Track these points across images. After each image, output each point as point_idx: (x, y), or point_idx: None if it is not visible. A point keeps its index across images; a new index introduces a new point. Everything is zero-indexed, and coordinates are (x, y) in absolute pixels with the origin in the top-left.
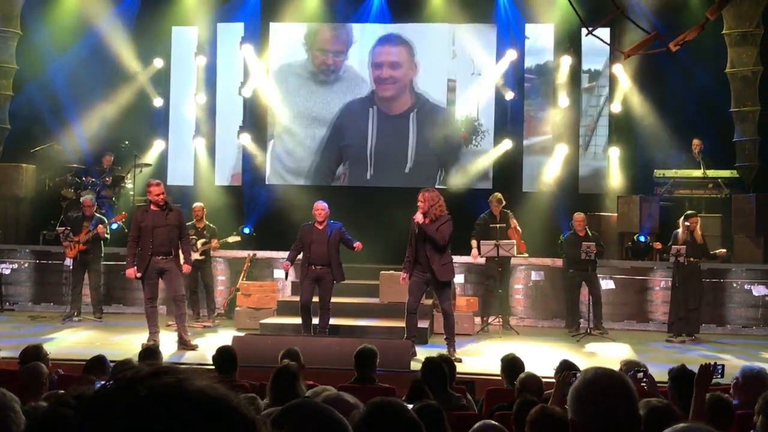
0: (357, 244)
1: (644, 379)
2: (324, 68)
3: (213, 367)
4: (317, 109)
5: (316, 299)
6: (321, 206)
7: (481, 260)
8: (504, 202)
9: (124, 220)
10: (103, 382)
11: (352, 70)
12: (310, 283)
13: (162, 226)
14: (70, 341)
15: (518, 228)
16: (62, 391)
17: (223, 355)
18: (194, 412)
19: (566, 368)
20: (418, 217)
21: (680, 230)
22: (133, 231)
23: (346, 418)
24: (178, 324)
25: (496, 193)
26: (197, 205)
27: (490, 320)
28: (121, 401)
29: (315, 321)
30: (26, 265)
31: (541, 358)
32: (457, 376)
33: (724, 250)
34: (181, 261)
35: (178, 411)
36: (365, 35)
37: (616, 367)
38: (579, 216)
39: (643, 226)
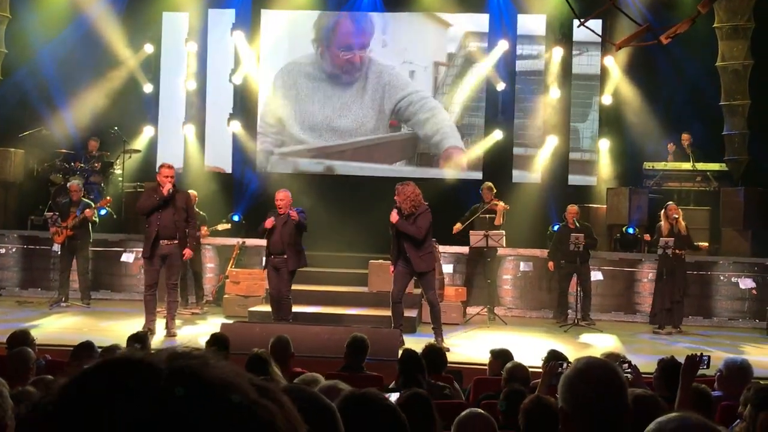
0: (292, 213)
1: (628, 370)
2: (348, 67)
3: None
4: (334, 117)
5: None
6: (280, 196)
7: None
8: (495, 190)
9: (109, 204)
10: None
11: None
12: (273, 273)
13: (168, 208)
14: (57, 327)
15: (504, 206)
16: (50, 377)
17: (216, 340)
18: (223, 397)
19: (553, 358)
20: (394, 216)
21: (662, 222)
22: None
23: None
24: (167, 311)
25: (486, 182)
26: (189, 192)
27: (478, 311)
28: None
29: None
30: (14, 250)
31: (529, 348)
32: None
33: (706, 244)
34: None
35: (207, 396)
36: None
37: None
38: (572, 208)
39: (632, 218)
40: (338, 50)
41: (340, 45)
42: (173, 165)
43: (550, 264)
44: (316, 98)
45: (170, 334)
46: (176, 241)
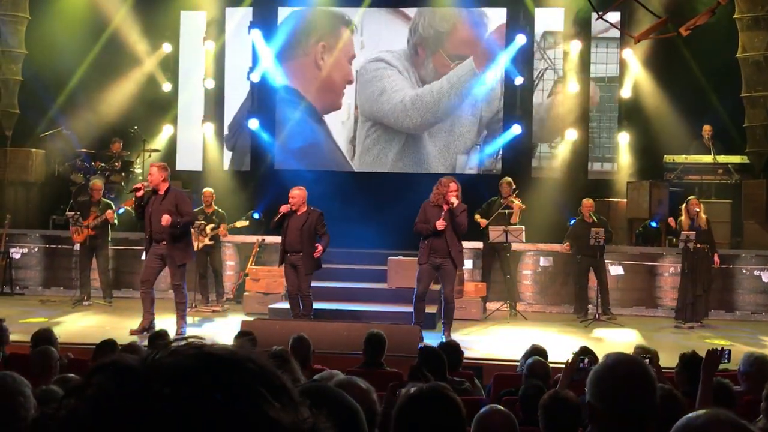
0: (318, 248)
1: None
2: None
3: None
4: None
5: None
6: (293, 193)
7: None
8: (513, 186)
9: (132, 207)
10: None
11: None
12: (291, 270)
13: (157, 211)
14: (80, 325)
15: (521, 204)
16: (73, 375)
17: (243, 337)
18: (253, 377)
19: (585, 353)
20: (454, 200)
21: (682, 216)
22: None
23: (356, 402)
24: (176, 311)
25: (506, 177)
26: (206, 190)
27: (497, 307)
28: (192, 357)
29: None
30: (36, 249)
31: (550, 343)
32: (465, 361)
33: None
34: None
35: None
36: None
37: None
38: (587, 202)
39: (653, 212)
40: (448, 61)
41: (450, 55)
42: (158, 164)
43: (566, 245)
44: (411, 107)
45: (177, 333)
46: (168, 243)
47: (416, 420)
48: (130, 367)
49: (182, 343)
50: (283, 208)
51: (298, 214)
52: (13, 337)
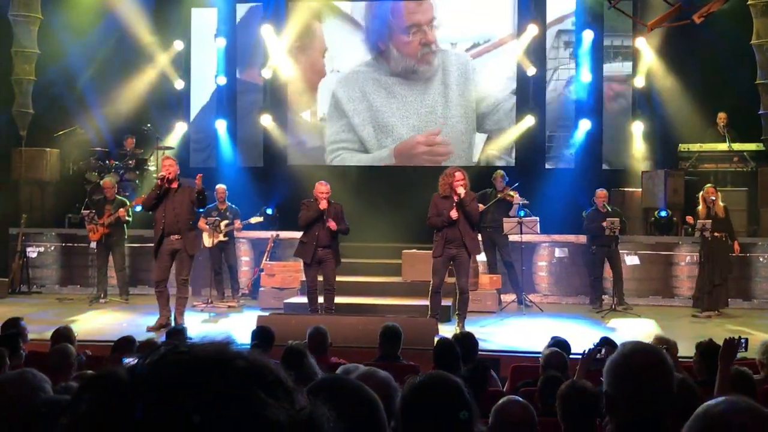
0: (331, 224)
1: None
2: (424, 52)
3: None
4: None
5: (320, 278)
6: (322, 189)
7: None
8: (507, 179)
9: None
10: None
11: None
12: (316, 266)
13: (172, 203)
14: (97, 323)
15: (517, 198)
16: (91, 371)
17: (261, 332)
18: (242, 378)
19: (606, 345)
20: (461, 190)
21: (700, 206)
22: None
23: (378, 393)
24: (176, 306)
25: (498, 171)
26: (219, 186)
27: (513, 298)
28: (177, 362)
29: (321, 300)
30: (52, 248)
31: (565, 334)
32: (483, 353)
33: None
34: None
35: (224, 375)
36: None
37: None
38: (601, 192)
39: (667, 202)
40: (405, 35)
41: (405, 28)
42: (171, 157)
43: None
44: (394, 108)
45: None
46: (180, 237)
47: (422, 407)
48: (118, 381)
49: (171, 347)
50: (323, 205)
51: (324, 209)
52: (31, 336)
